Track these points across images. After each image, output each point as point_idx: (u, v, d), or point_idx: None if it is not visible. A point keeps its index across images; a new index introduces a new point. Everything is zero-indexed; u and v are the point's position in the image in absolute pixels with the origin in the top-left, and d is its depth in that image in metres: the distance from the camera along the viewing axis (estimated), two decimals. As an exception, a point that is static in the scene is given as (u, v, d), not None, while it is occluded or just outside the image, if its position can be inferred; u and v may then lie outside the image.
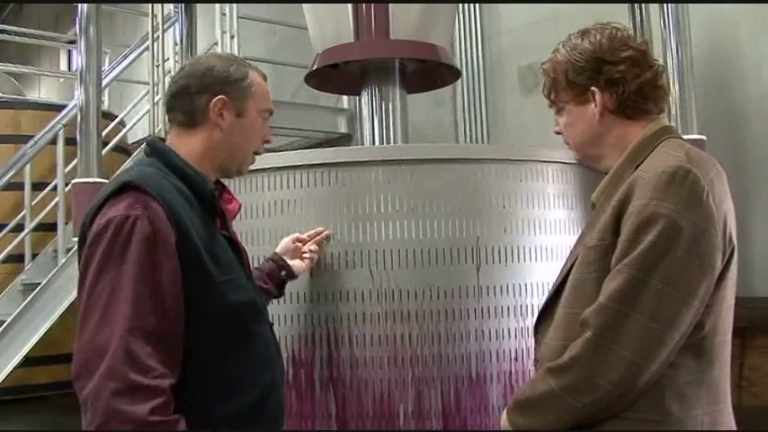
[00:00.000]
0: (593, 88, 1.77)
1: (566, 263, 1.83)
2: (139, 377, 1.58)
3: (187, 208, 1.79)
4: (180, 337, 1.71)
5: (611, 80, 1.75)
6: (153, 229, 1.69)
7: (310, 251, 2.52)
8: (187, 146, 1.92)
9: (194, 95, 1.92)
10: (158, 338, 1.64)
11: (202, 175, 1.89)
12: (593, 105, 1.78)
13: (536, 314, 1.91)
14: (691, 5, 3.59)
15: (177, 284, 1.71)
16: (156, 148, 1.92)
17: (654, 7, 3.67)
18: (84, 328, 1.64)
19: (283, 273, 2.44)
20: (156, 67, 5.80)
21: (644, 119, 1.78)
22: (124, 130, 6.57)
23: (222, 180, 2.05)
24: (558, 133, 1.91)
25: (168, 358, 1.66)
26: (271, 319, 2.09)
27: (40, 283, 5.36)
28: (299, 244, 2.52)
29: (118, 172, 5.81)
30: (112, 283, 1.64)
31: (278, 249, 2.49)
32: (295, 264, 2.47)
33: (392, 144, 3.47)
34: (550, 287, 1.85)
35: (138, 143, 6.73)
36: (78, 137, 3.75)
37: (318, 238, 2.55)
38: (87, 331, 1.63)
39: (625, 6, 3.85)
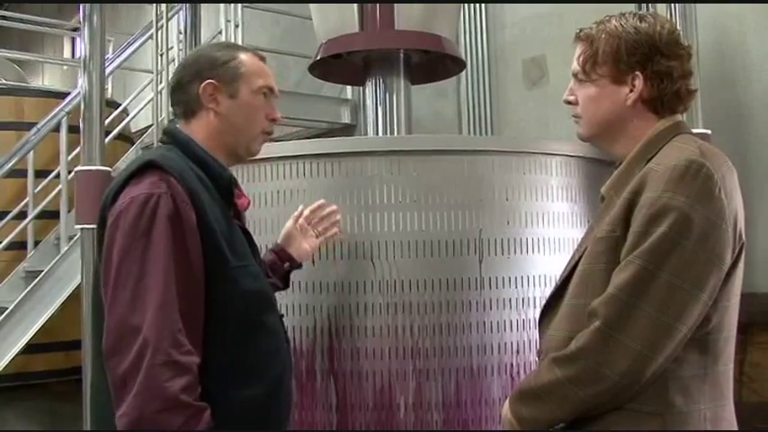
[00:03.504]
0: (637, 72, 1.72)
1: (573, 254, 1.81)
2: (173, 351, 1.60)
3: (205, 192, 1.80)
4: (201, 317, 1.72)
5: (659, 72, 1.71)
6: (176, 208, 1.70)
7: (324, 229, 2.49)
8: (193, 135, 1.93)
9: (187, 85, 1.95)
10: (184, 315, 1.65)
11: (220, 164, 1.91)
12: (627, 89, 1.74)
13: (538, 306, 1.91)
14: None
15: (200, 263, 1.73)
16: (174, 135, 1.94)
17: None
18: (115, 305, 1.65)
19: (287, 264, 2.41)
20: (159, 56, 5.79)
21: (665, 116, 1.76)
22: (127, 119, 6.56)
23: (234, 176, 2.05)
24: (568, 103, 1.85)
25: (192, 336, 1.67)
26: (281, 311, 2.09)
27: (42, 271, 5.37)
28: (303, 223, 2.47)
29: (122, 159, 5.85)
30: (141, 259, 1.65)
31: (279, 239, 2.46)
32: (300, 250, 2.44)
33: (396, 135, 3.47)
34: (557, 279, 1.84)
35: (141, 132, 6.73)
36: (81, 125, 3.73)
37: (326, 213, 2.50)
38: (119, 308, 1.64)
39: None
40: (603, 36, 1.76)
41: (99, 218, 1.81)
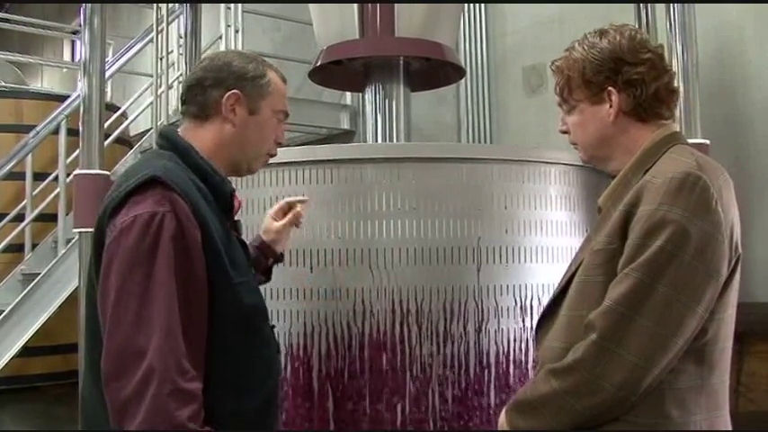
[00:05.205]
0: (609, 88, 1.74)
1: (570, 266, 1.81)
2: (179, 379, 1.56)
3: (206, 207, 1.76)
4: (204, 336, 1.69)
5: (630, 81, 1.73)
6: (181, 227, 1.66)
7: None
8: (198, 139, 1.89)
9: (208, 88, 1.90)
10: (187, 337, 1.61)
11: (220, 174, 1.87)
12: (607, 106, 1.75)
13: (536, 315, 1.91)
14: (697, 9, 3.58)
15: (204, 282, 1.69)
16: (172, 141, 1.89)
17: (660, 9, 3.66)
18: (118, 327, 1.59)
19: (270, 260, 2.36)
20: (159, 60, 5.79)
21: (655, 123, 1.77)
22: (127, 122, 6.57)
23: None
24: (564, 132, 1.87)
25: (194, 359, 1.63)
26: (273, 320, 2.07)
27: (39, 274, 5.37)
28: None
29: (120, 162, 5.84)
30: (144, 280, 1.60)
31: (266, 235, 2.38)
32: (285, 244, 2.38)
33: (395, 142, 3.47)
34: (554, 289, 1.84)
35: (141, 135, 6.74)
36: (81, 128, 3.74)
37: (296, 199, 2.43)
38: (122, 331, 1.58)
39: (631, 8, 3.84)
40: (570, 63, 1.80)
41: (96, 227, 1.76)
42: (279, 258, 2.40)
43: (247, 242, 2.04)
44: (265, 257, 2.35)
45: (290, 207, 2.42)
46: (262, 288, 2.09)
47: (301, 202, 2.43)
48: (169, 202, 1.67)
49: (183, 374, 1.57)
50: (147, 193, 1.69)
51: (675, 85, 1.81)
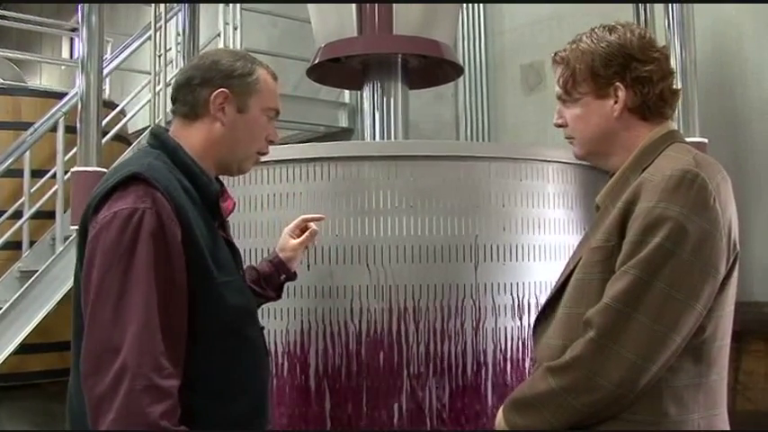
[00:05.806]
0: (617, 83, 1.73)
1: (568, 263, 1.81)
2: (154, 375, 1.55)
3: (191, 206, 1.76)
4: (184, 336, 1.68)
5: (638, 79, 1.72)
6: (161, 224, 1.65)
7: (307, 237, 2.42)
8: (188, 138, 1.88)
9: (197, 87, 1.89)
10: (166, 335, 1.61)
11: (208, 175, 1.87)
12: (612, 101, 1.74)
13: (533, 313, 1.91)
14: (695, 7, 3.58)
15: (183, 281, 1.68)
16: (161, 140, 1.88)
17: (658, 8, 3.66)
18: (95, 323, 1.60)
19: (283, 277, 2.36)
20: (157, 57, 5.79)
21: (656, 122, 1.76)
22: (125, 120, 6.56)
23: (220, 178, 2.01)
24: (559, 126, 1.86)
25: (174, 356, 1.63)
26: (265, 320, 2.05)
27: (37, 271, 5.36)
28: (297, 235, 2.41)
29: (118, 160, 5.83)
30: (122, 277, 1.60)
31: (282, 253, 2.39)
32: (297, 262, 2.40)
33: (393, 140, 3.47)
34: (552, 287, 1.84)
35: (139, 132, 6.72)
36: (78, 125, 3.75)
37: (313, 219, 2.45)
38: (99, 327, 1.59)
39: (629, 6, 3.84)
40: (577, 55, 1.78)
41: (80, 224, 1.76)
42: (292, 277, 2.40)
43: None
44: (278, 274, 2.36)
45: (306, 224, 2.43)
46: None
47: (318, 219, 2.45)
48: (150, 199, 1.67)
49: (158, 371, 1.57)
50: (129, 189, 1.69)
51: (676, 86, 1.81)
